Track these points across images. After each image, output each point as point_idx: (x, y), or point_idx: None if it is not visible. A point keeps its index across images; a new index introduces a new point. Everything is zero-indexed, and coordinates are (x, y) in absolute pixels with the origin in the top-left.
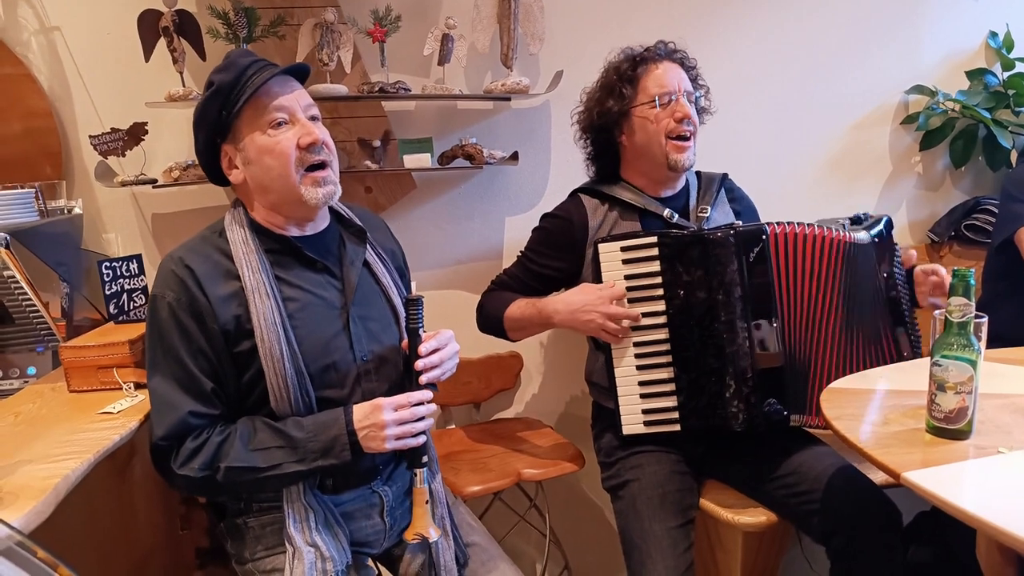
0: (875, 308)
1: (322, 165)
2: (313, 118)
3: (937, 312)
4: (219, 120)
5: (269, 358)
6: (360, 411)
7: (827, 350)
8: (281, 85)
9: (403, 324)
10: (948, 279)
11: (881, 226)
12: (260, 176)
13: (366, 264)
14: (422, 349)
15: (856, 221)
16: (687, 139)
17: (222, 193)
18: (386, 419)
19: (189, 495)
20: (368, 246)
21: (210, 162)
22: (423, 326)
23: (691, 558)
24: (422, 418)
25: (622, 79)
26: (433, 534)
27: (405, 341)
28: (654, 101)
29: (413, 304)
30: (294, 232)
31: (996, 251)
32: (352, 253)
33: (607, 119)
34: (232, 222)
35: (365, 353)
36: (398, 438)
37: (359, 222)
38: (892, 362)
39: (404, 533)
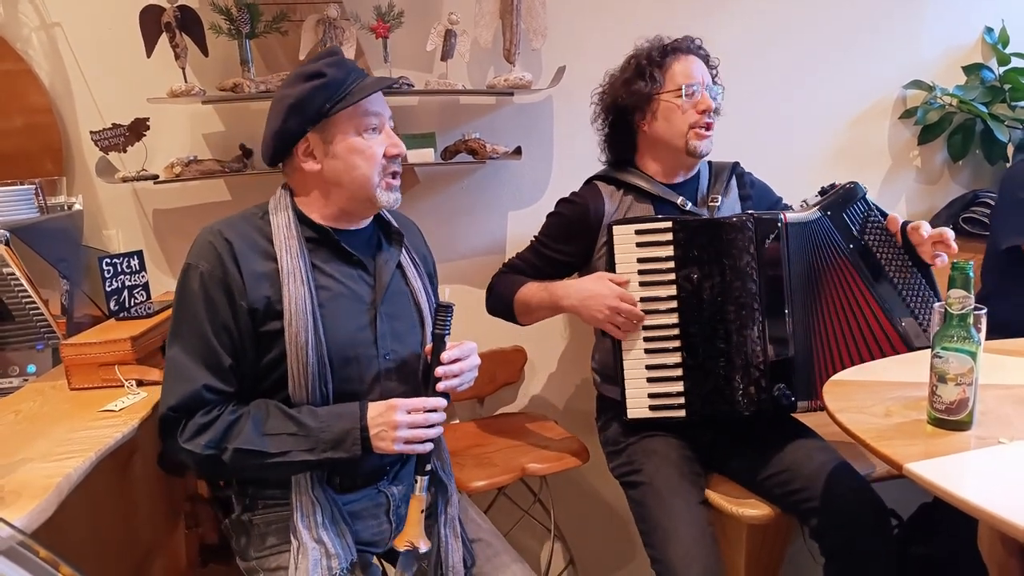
0: (850, 281)
1: (396, 174)
2: (392, 129)
3: (937, 304)
4: (319, 110)
5: (294, 343)
6: (375, 408)
7: (830, 333)
8: (378, 95)
9: (428, 329)
10: (926, 230)
11: (838, 197)
12: (340, 171)
13: (399, 266)
14: (445, 357)
15: (823, 193)
16: (708, 128)
17: (224, 189)
18: (399, 420)
19: (193, 494)
20: (403, 249)
21: (285, 145)
22: (450, 333)
23: (714, 535)
24: (433, 425)
25: (652, 63)
26: (423, 546)
27: (429, 346)
28: (680, 90)
29: (444, 310)
30: (342, 226)
31: (1005, 251)
32: (387, 253)
33: (633, 100)
34: (278, 206)
35: (388, 352)
36: (407, 441)
37: (397, 226)
38: (889, 333)
39: (395, 539)
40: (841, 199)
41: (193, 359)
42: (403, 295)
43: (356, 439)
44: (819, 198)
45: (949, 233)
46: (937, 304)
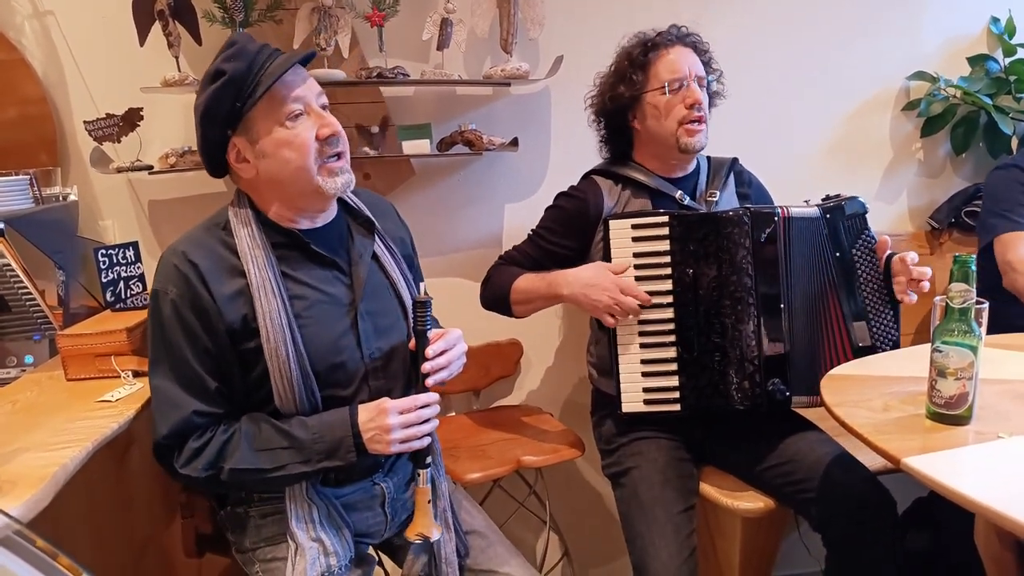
0: (826, 288)
1: (338, 155)
2: (323, 107)
3: (938, 298)
4: (231, 112)
5: (274, 358)
6: (365, 413)
7: (824, 332)
8: (294, 74)
9: (411, 320)
10: (911, 258)
11: (840, 205)
12: (276, 170)
13: (374, 257)
14: (429, 351)
15: (827, 200)
16: (699, 123)
17: (219, 180)
18: (391, 423)
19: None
20: (377, 237)
21: (215, 155)
22: (432, 328)
23: (694, 543)
24: (427, 420)
25: (633, 65)
26: (435, 533)
27: (413, 341)
28: (664, 87)
29: (421, 306)
30: (304, 224)
31: (980, 251)
32: (360, 246)
33: (618, 104)
34: (236, 216)
35: (373, 351)
36: (403, 441)
37: (368, 212)
38: (848, 349)
39: (406, 531)
40: (842, 208)
41: (178, 386)
42: (383, 288)
43: (350, 446)
44: (821, 202)
45: (928, 273)
46: (938, 298)
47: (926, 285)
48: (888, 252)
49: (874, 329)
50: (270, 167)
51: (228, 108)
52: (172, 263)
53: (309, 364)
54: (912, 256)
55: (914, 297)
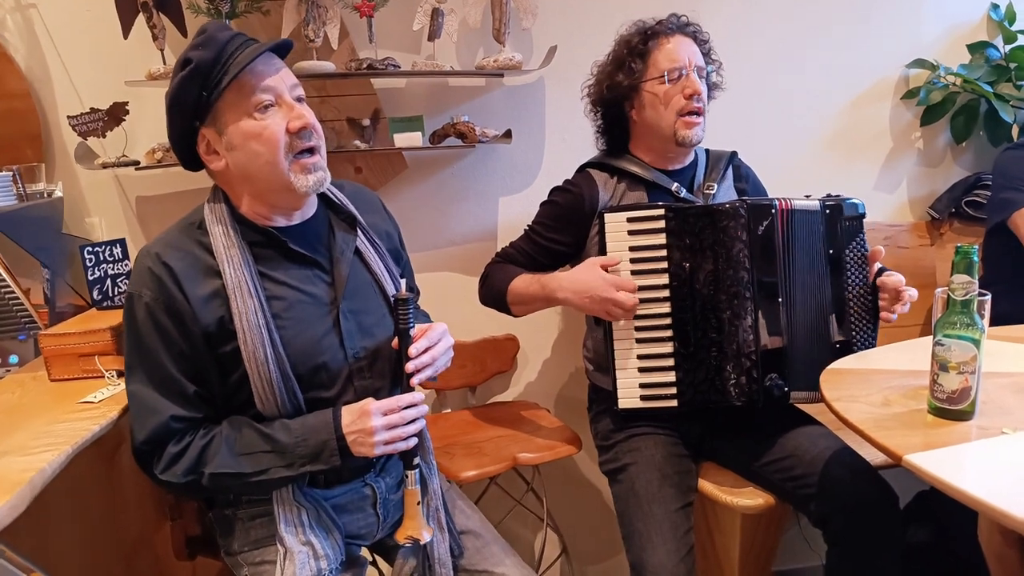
0: (817, 283)
1: (311, 151)
2: (299, 99)
3: (939, 290)
4: (198, 102)
5: (252, 361)
6: (349, 415)
7: (822, 326)
8: (266, 64)
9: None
10: (899, 288)
11: (841, 204)
12: (245, 163)
13: (357, 252)
14: (412, 350)
15: (828, 198)
16: (697, 115)
17: (206, 175)
18: (374, 425)
19: None
20: (360, 232)
21: (186, 147)
22: (414, 326)
23: (691, 540)
24: (413, 421)
25: (632, 53)
26: (425, 535)
27: (396, 340)
28: (663, 77)
29: (402, 304)
30: (280, 222)
31: (988, 234)
32: (342, 243)
33: (617, 93)
34: (212, 213)
35: (357, 350)
36: (387, 443)
37: (350, 207)
38: (830, 346)
39: (396, 533)
40: (841, 207)
41: (156, 391)
42: (366, 285)
43: (333, 450)
44: (821, 198)
45: (912, 295)
46: (939, 290)
47: (906, 307)
48: (879, 266)
49: (854, 332)
50: (239, 160)
51: (195, 98)
52: (146, 265)
53: (290, 366)
54: (900, 277)
55: (894, 316)
